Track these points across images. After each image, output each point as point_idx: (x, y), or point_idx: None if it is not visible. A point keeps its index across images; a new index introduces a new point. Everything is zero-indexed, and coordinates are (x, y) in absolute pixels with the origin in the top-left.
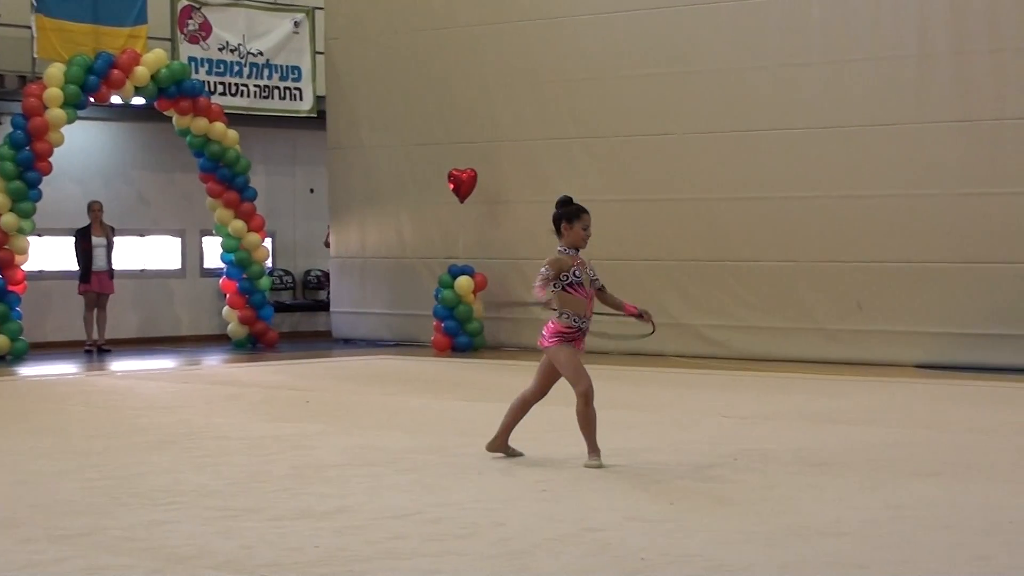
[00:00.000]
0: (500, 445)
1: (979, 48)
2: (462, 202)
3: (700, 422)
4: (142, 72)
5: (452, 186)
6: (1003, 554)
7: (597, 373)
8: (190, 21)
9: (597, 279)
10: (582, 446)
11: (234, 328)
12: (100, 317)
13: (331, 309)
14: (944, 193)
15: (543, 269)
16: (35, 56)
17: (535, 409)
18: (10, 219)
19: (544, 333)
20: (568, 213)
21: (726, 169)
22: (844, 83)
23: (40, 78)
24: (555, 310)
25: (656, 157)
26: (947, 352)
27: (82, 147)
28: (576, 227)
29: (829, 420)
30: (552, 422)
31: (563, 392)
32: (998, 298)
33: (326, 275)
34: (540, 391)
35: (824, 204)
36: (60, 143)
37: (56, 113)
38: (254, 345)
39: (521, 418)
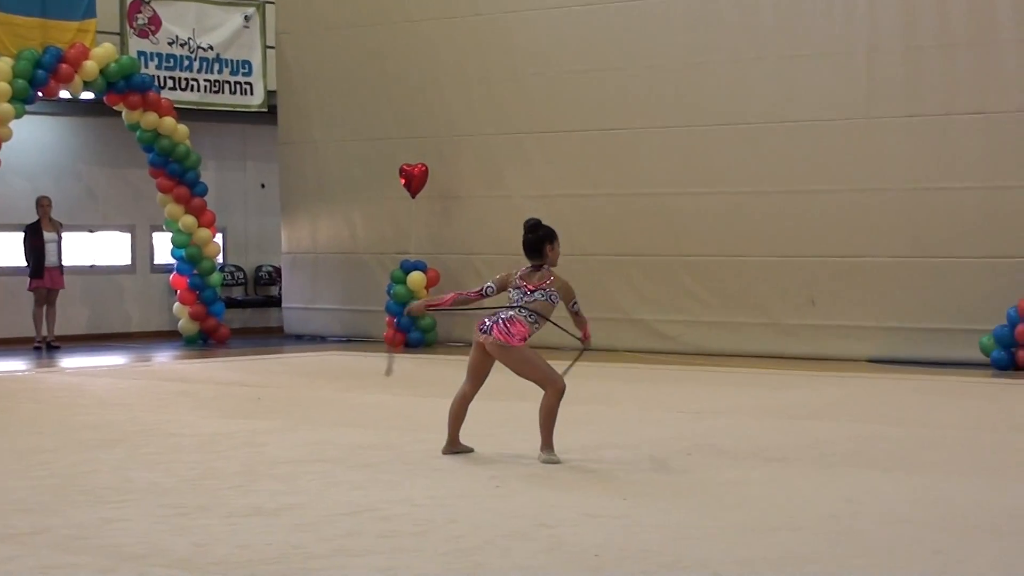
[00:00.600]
0: (452, 447)
1: (929, 43)
2: (413, 197)
3: (654, 417)
4: (91, 67)
5: (404, 181)
6: (959, 549)
7: None
8: (139, 15)
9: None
10: (535, 441)
11: (185, 324)
12: (50, 313)
13: (283, 305)
14: (895, 188)
15: (573, 304)
16: None
17: (487, 405)
18: None
19: (512, 332)
20: (551, 234)
21: (678, 164)
22: (795, 78)
23: None
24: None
25: (608, 152)
26: (899, 347)
27: (30, 142)
28: (557, 246)
29: (784, 415)
30: (504, 417)
31: (514, 387)
32: (949, 293)
33: (278, 271)
34: (476, 387)
35: (777, 199)
36: (8, 138)
37: (3, 108)
38: (205, 341)
39: (464, 417)
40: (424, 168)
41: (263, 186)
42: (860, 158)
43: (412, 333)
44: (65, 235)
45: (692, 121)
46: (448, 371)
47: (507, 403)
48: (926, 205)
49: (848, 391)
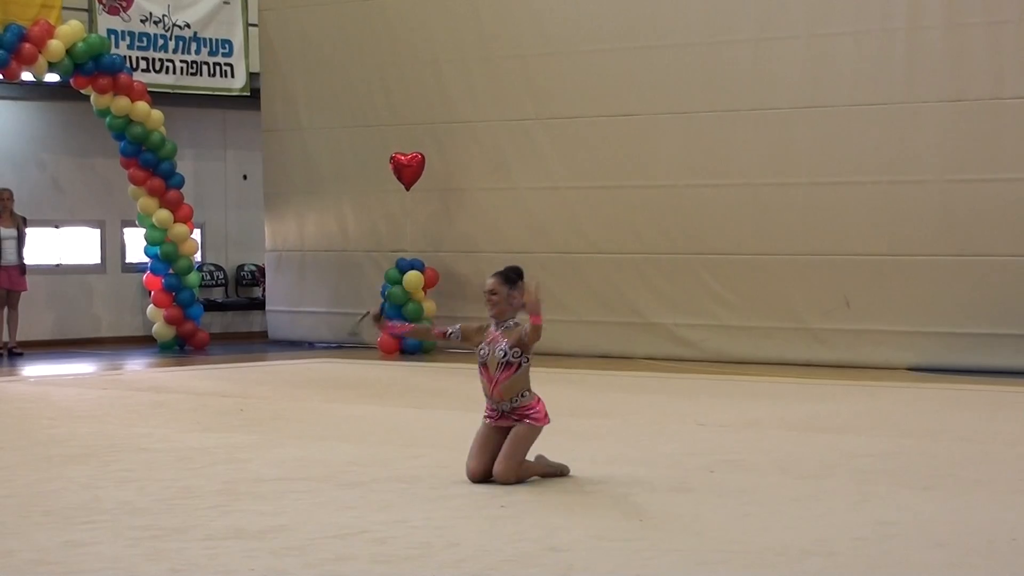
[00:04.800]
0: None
1: (975, 20)
2: (408, 189)
3: (673, 431)
4: (56, 46)
5: (393, 170)
6: (1002, 575)
7: (561, 377)
8: None
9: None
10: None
11: (160, 329)
12: (11, 317)
13: (267, 308)
14: (937, 180)
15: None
16: None
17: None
18: None
19: (539, 411)
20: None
21: (700, 153)
22: (828, 59)
23: None
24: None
25: (623, 140)
26: (942, 354)
27: None
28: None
29: (814, 428)
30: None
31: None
32: (997, 294)
33: (261, 270)
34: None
35: (807, 191)
36: None
37: None
38: (182, 347)
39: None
40: (420, 158)
41: (245, 177)
42: (899, 147)
43: (408, 340)
44: (28, 231)
45: (715, 106)
46: (446, 380)
47: None
48: (971, 198)
49: (885, 402)
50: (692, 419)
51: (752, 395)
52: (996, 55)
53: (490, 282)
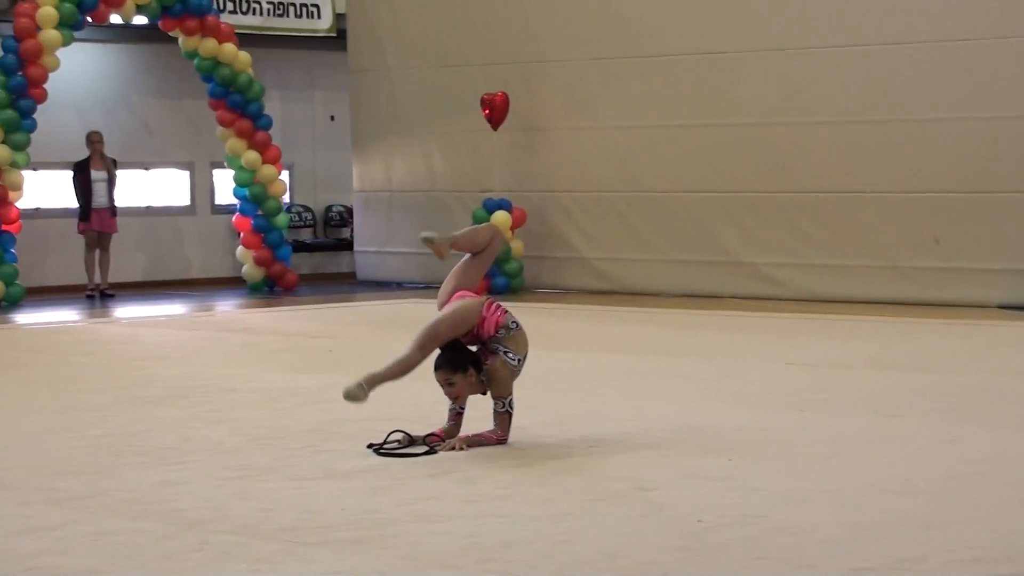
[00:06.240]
0: None
1: None
2: (495, 129)
3: (761, 370)
4: None
5: (486, 112)
6: None
7: (648, 317)
8: None
9: None
10: (632, 403)
11: (249, 270)
12: (102, 259)
13: (355, 248)
14: None
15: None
16: None
17: (567, 357)
18: (2, 152)
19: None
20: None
21: (787, 91)
22: None
23: None
24: None
25: (710, 77)
26: None
27: (80, 72)
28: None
29: (903, 367)
30: (601, 376)
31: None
32: None
33: (349, 211)
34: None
35: (896, 128)
36: (55, 68)
37: (50, 35)
38: (271, 288)
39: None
40: (504, 96)
41: (332, 118)
42: (988, 82)
43: (496, 278)
44: (118, 173)
45: (803, 43)
46: (536, 321)
47: (601, 360)
48: None
49: (975, 340)
50: (780, 358)
51: (840, 334)
52: None
53: (440, 377)
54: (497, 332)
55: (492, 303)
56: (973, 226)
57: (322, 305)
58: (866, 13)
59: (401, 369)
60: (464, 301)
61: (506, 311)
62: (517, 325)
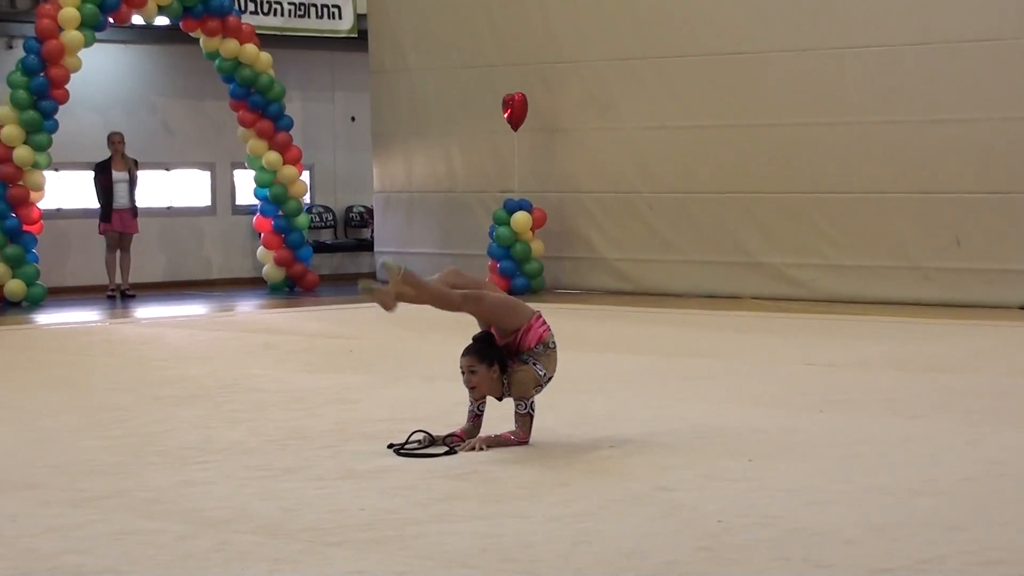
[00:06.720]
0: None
1: None
2: (515, 129)
3: (783, 371)
4: None
5: (507, 112)
6: None
7: (669, 318)
8: None
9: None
10: (652, 404)
11: (270, 270)
12: (123, 259)
13: (375, 249)
14: None
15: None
16: None
17: (592, 359)
18: (24, 152)
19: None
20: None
21: (808, 91)
22: None
23: None
24: None
25: (731, 78)
26: None
27: (101, 73)
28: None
29: (924, 368)
30: (621, 377)
31: (614, 339)
32: None
33: (369, 212)
34: None
35: (917, 129)
36: (77, 68)
37: (72, 35)
38: (292, 289)
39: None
40: (522, 97)
41: (353, 119)
42: (1011, 83)
43: (516, 279)
44: (139, 174)
45: (823, 43)
46: (557, 322)
47: (628, 357)
48: None
49: (996, 342)
50: (801, 359)
51: (861, 335)
52: None
53: (464, 363)
54: (536, 347)
55: (541, 317)
56: (994, 227)
57: (343, 305)
58: (888, 14)
59: (436, 295)
60: (519, 300)
61: (549, 329)
62: (555, 346)
